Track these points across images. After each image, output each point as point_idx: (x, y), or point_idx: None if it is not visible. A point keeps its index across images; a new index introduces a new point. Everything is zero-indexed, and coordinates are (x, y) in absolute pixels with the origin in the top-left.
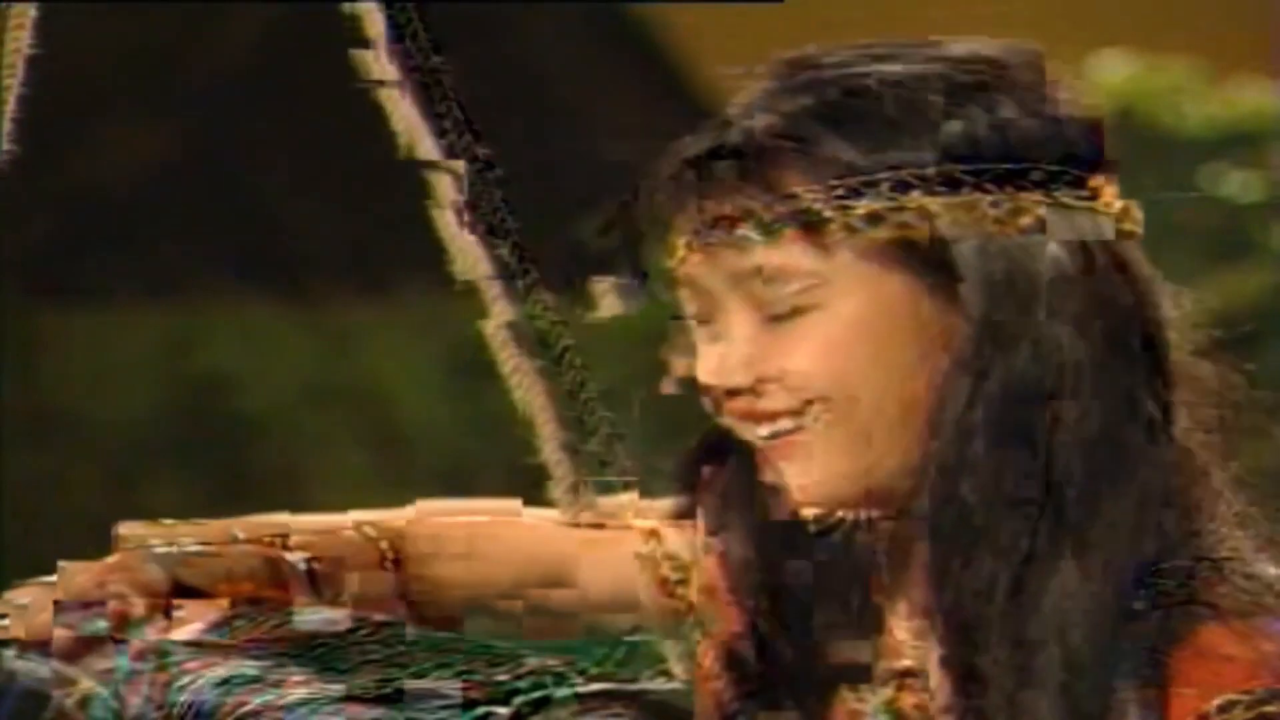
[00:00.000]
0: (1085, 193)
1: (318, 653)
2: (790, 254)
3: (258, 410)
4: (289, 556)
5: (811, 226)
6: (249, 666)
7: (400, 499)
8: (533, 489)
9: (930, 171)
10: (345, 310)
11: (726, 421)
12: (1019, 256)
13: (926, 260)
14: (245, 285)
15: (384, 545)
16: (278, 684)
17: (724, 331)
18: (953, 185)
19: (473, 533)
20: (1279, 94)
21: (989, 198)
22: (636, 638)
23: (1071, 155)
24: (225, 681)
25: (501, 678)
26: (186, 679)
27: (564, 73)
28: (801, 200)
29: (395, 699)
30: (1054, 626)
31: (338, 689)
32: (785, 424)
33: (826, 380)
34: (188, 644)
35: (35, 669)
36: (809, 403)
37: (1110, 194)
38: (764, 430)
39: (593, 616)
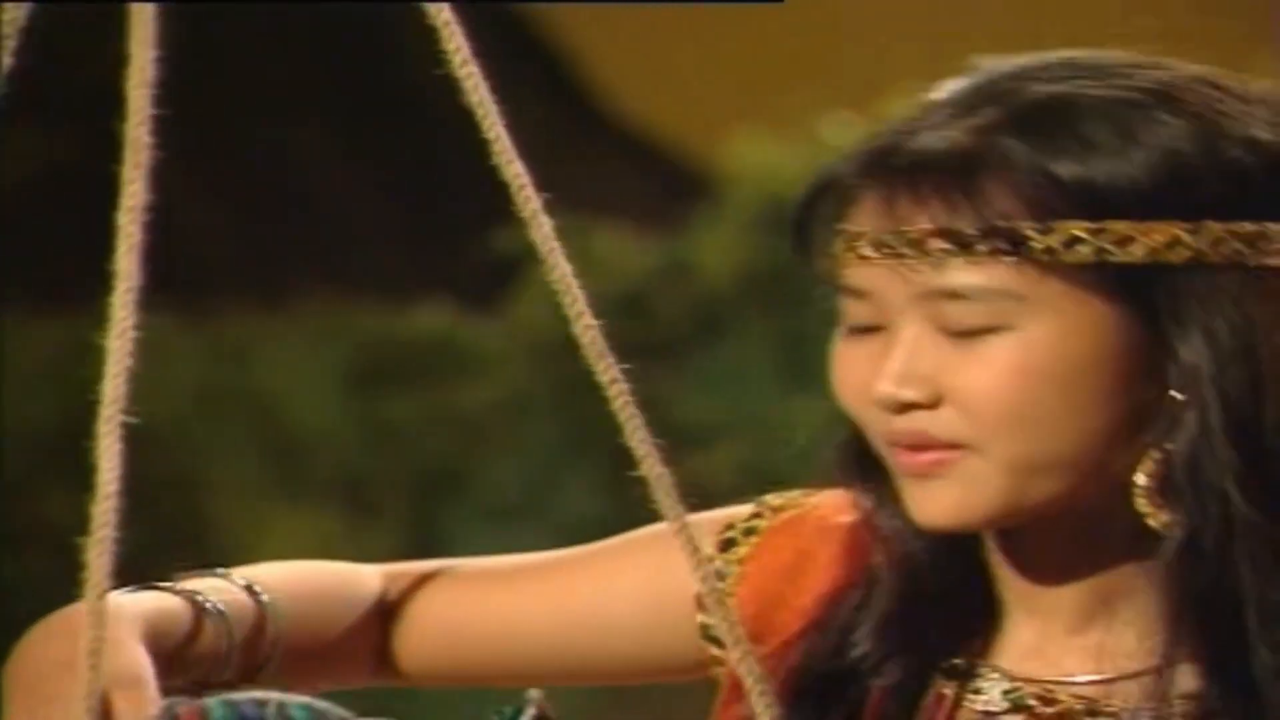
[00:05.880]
0: None
1: None
2: (987, 273)
3: (152, 420)
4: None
5: (1012, 246)
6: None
7: (296, 508)
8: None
9: (1133, 195)
10: (240, 320)
11: (877, 444)
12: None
13: (1130, 286)
14: (139, 294)
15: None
16: None
17: (897, 343)
18: (1155, 212)
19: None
20: None
21: (1190, 225)
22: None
23: None
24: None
25: None
26: None
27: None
28: (1004, 218)
29: None
30: None
31: None
32: (948, 455)
33: (1009, 404)
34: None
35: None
36: (981, 434)
37: None
38: (925, 458)
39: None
